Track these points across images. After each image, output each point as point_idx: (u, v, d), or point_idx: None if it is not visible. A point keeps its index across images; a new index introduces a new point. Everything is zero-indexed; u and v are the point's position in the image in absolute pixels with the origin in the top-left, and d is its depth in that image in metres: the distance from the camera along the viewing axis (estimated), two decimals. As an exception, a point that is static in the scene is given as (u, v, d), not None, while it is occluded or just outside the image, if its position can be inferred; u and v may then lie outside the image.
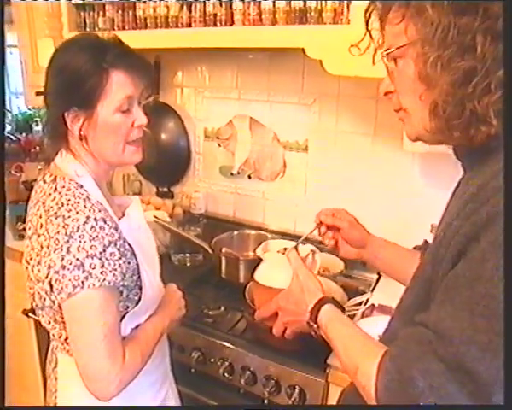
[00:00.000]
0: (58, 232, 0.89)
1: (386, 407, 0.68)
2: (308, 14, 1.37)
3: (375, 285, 1.70)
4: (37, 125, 2.80)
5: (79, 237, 0.88)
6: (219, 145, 2.11)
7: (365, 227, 1.17)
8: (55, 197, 0.93)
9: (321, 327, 0.91)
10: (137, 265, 0.99)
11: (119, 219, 1.01)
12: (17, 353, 2.02)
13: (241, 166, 2.07)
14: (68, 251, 0.87)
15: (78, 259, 0.87)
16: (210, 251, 1.72)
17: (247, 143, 2.03)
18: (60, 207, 0.91)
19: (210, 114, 2.12)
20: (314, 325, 0.92)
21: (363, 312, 1.44)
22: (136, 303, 1.00)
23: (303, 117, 1.87)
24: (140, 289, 1.00)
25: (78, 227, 0.88)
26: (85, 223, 0.89)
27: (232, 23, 1.50)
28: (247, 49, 1.70)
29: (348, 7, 1.29)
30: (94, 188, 0.97)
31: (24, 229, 1.07)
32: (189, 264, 1.87)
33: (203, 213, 2.09)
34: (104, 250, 0.89)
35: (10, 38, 2.45)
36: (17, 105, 3.43)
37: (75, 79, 0.92)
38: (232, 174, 2.09)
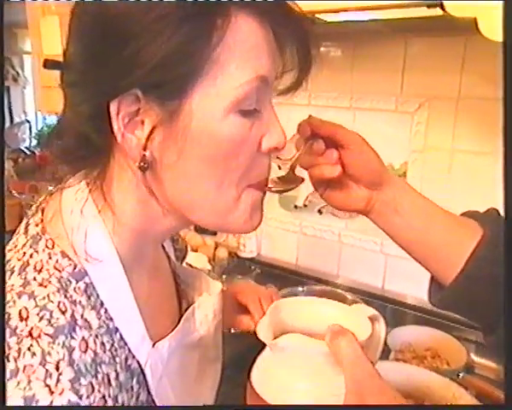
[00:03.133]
0: None
1: (387, 407, 0.49)
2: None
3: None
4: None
5: None
6: (280, 168, 1.64)
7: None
8: (10, 288, 0.43)
9: None
10: None
11: (163, 337, 0.54)
12: None
13: (308, 198, 1.66)
14: None
15: None
16: (265, 313, 1.26)
17: (319, 166, 1.59)
18: None
19: (268, 126, 1.68)
20: None
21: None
22: None
23: (401, 130, 1.44)
24: None
25: None
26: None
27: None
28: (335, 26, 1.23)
29: None
30: (117, 287, 0.48)
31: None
32: (233, 330, 1.41)
33: (255, 258, 1.77)
34: None
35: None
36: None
37: (140, 29, 0.41)
38: (296, 207, 1.71)
